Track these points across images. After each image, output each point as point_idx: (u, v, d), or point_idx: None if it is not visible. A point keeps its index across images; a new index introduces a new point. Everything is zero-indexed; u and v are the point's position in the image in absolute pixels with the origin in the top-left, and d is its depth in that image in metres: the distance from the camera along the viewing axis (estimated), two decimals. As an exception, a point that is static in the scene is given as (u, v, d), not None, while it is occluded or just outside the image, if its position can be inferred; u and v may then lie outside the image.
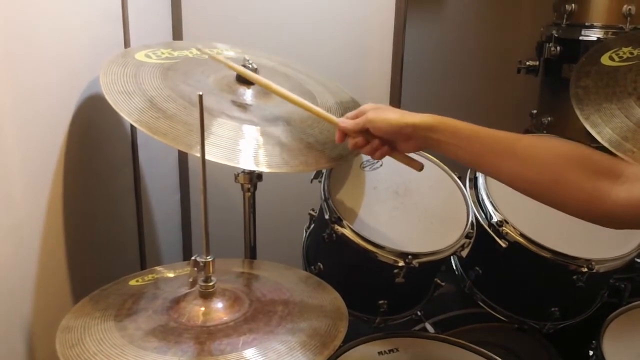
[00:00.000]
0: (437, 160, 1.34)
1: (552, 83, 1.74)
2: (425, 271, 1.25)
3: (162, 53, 1.22)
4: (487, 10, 2.22)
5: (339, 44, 1.75)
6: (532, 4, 2.16)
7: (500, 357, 1.21)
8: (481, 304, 1.38)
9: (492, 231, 1.27)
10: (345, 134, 1.04)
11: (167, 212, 1.76)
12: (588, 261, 1.21)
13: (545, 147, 0.91)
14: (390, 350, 1.23)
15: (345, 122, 1.03)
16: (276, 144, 1.08)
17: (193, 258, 0.90)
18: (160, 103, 1.04)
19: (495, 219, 1.27)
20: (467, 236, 1.24)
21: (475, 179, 1.35)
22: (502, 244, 1.25)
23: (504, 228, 1.25)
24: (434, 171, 1.34)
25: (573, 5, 1.62)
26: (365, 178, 1.28)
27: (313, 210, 1.37)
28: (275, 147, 1.07)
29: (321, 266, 1.27)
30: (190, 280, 0.92)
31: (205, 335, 0.86)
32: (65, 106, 1.09)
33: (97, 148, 1.25)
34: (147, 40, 1.32)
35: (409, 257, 1.14)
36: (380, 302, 1.24)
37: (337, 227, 1.16)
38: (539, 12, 1.88)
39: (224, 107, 1.10)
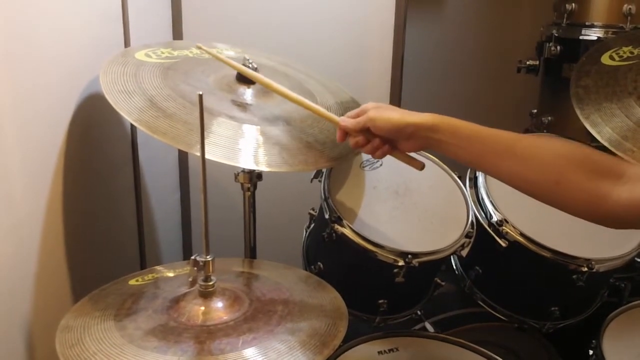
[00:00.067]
0: (437, 160, 1.34)
1: (552, 83, 1.74)
2: (425, 271, 1.25)
3: (162, 52, 1.22)
4: (487, 9, 2.22)
5: (339, 44, 1.75)
6: (532, 4, 2.16)
7: (500, 357, 1.21)
8: (481, 303, 1.38)
9: (492, 231, 1.27)
10: (346, 132, 1.04)
11: (167, 212, 1.76)
12: (588, 261, 1.21)
13: (546, 147, 0.91)
14: (390, 350, 1.23)
15: (346, 121, 1.03)
16: (276, 143, 1.08)
17: (193, 257, 0.90)
18: (160, 102, 1.04)
19: (495, 218, 1.27)
20: (467, 236, 1.24)
21: (475, 178, 1.35)
22: (502, 243, 1.25)
23: (503, 227, 1.25)
24: (434, 171, 1.34)
25: (573, 4, 1.62)
26: (365, 178, 1.28)
27: (313, 209, 1.37)
28: (275, 147, 1.07)
29: (321, 266, 1.27)
30: (190, 279, 0.92)
31: (205, 334, 0.86)
32: (65, 106, 1.09)
33: (97, 147, 1.25)
34: (147, 40, 1.32)
35: (409, 256, 1.14)
36: (380, 301, 1.24)
37: (337, 226, 1.16)
38: (539, 12, 1.88)
39: (224, 106, 1.10)
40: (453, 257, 1.41)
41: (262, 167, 1.05)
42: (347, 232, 1.15)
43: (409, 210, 1.26)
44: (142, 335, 0.85)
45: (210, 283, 0.91)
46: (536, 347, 1.45)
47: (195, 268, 0.90)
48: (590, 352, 1.26)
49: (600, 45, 1.45)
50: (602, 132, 1.25)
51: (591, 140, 1.28)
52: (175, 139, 0.99)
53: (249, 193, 1.22)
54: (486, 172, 1.20)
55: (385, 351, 1.22)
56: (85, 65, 1.14)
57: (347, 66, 1.75)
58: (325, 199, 1.20)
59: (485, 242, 1.27)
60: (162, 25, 1.65)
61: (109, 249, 1.32)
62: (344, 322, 0.93)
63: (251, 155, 1.04)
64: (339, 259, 1.25)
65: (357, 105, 1.23)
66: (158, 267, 1.10)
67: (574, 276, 1.22)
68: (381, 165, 1.30)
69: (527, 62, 1.74)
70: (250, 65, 1.14)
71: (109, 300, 0.95)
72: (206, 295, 0.92)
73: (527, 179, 0.89)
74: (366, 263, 1.17)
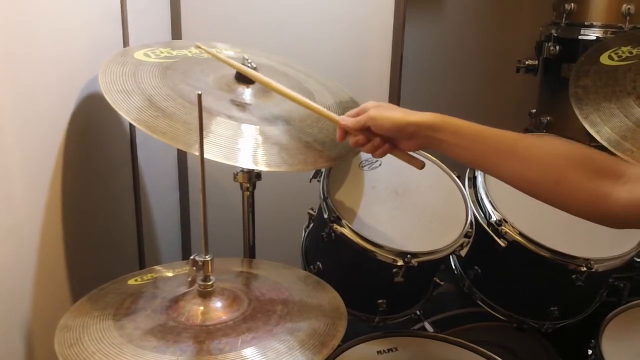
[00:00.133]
0: (436, 160, 1.35)
1: (552, 82, 1.74)
2: (424, 270, 1.25)
3: (161, 52, 1.22)
4: (487, 9, 2.22)
5: (338, 44, 1.75)
6: (531, 4, 2.16)
7: (499, 357, 1.21)
8: (480, 303, 1.38)
9: (491, 230, 1.27)
10: (346, 131, 1.03)
11: (166, 211, 1.76)
12: (587, 260, 1.21)
13: (546, 147, 0.91)
14: (390, 350, 1.23)
15: (346, 119, 1.03)
16: (275, 143, 1.08)
17: (192, 257, 0.90)
18: (159, 102, 1.04)
19: (494, 218, 1.27)
20: (466, 235, 1.24)
21: (475, 178, 1.35)
22: (501, 243, 1.25)
23: (503, 227, 1.25)
24: (433, 171, 1.35)
25: (572, 4, 1.62)
26: (364, 177, 1.28)
27: (312, 209, 1.37)
28: (274, 146, 1.07)
29: (320, 265, 1.27)
30: (189, 279, 0.92)
31: (204, 334, 0.86)
32: (64, 105, 1.10)
33: (96, 147, 1.25)
34: (146, 40, 1.32)
35: (408, 256, 1.14)
36: (380, 301, 1.24)
37: (336, 226, 1.16)
38: (539, 12, 1.88)
39: (223, 106, 1.10)
40: (452, 257, 1.41)
41: (261, 167, 1.05)
42: (346, 231, 1.15)
43: (408, 210, 1.26)
44: (141, 335, 0.85)
45: (209, 283, 0.91)
46: (535, 347, 1.45)
47: (194, 268, 0.90)
48: (589, 351, 1.26)
49: (599, 45, 1.45)
50: (601, 132, 1.25)
51: (590, 140, 1.28)
52: (174, 138, 0.99)
53: (248, 193, 1.22)
54: (487, 172, 1.20)
55: (384, 351, 1.22)
56: (84, 65, 1.15)
57: (346, 66, 1.75)
58: (325, 199, 1.20)
59: (484, 242, 1.27)
60: (161, 25, 1.65)
61: (108, 248, 1.32)
62: (343, 322, 0.93)
63: (250, 155, 1.04)
64: (338, 259, 1.25)
65: (357, 105, 1.22)
66: (157, 267, 1.10)
67: (573, 276, 1.22)
68: (380, 165, 1.30)
69: (526, 62, 1.74)
70: (249, 65, 1.14)
71: (108, 299, 0.95)
72: (205, 295, 0.92)
73: (528, 179, 0.89)
74: (365, 263, 1.17)
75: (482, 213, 1.30)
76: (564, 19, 1.64)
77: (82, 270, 1.16)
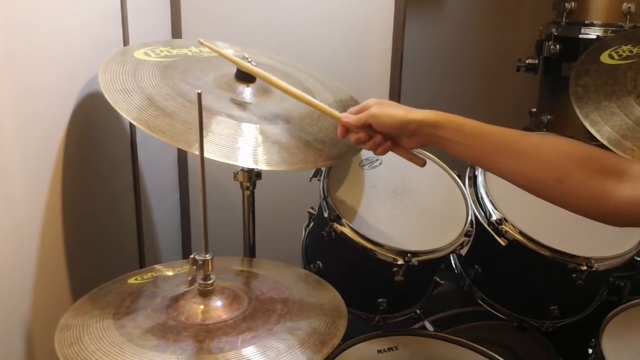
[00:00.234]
0: (436, 159, 1.34)
1: (552, 81, 1.74)
2: (424, 269, 1.25)
3: (161, 51, 1.22)
4: (487, 9, 2.22)
5: (338, 43, 1.75)
6: (532, 3, 2.16)
7: (499, 355, 1.21)
8: (480, 302, 1.38)
9: (492, 229, 1.27)
10: (347, 129, 1.03)
11: (167, 211, 1.76)
12: (587, 259, 1.21)
13: (548, 145, 0.91)
14: (390, 349, 1.23)
15: (348, 117, 1.03)
16: (275, 142, 1.08)
17: (192, 256, 0.90)
18: (159, 101, 1.04)
19: (494, 217, 1.27)
20: (467, 234, 1.24)
21: (475, 177, 1.35)
22: (502, 242, 1.25)
23: (503, 226, 1.25)
24: (433, 169, 1.34)
25: (573, 3, 1.62)
26: (365, 176, 1.28)
27: (312, 208, 1.37)
28: (274, 145, 1.07)
29: (320, 264, 1.27)
30: (189, 278, 0.92)
31: (204, 333, 0.86)
32: (64, 105, 1.10)
33: (96, 146, 1.25)
34: (146, 39, 1.32)
35: (408, 255, 1.14)
36: (380, 300, 1.24)
37: (336, 225, 1.16)
38: (539, 11, 1.88)
39: (223, 105, 1.10)
40: (452, 256, 1.41)
41: (261, 166, 1.04)
42: (346, 230, 1.15)
43: (408, 209, 1.26)
44: (141, 334, 0.85)
45: (210, 282, 0.92)
46: (535, 346, 1.45)
47: (195, 267, 0.90)
48: (590, 350, 1.26)
49: (599, 44, 1.45)
50: (601, 130, 1.25)
51: (590, 139, 1.28)
52: (174, 137, 0.99)
53: (248, 192, 1.22)
54: (488, 170, 1.20)
55: (384, 350, 1.22)
56: (84, 65, 1.15)
57: (346, 66, 1.75)
58: (325, 198, 1.20)
59: (484, 240, 1.27)
60: (161, 24, 1.65)
61: (108, 248, 1.32)
62: (343, 321, 0.93)
63: (250, 154, 1.04)
64: (338, 258, 1.25)
65: (357, 103, 1.22)
66: (157, 266, 1.10)
67: (574, 275, 1.22)
68: (380, 164, 1.30)
69: (527, 61, 1.74)
70: (249, 63, 1.14)
71: (108, 299, 0.95)
72: (205, 294, 0.92)
73: (530, 177, 0.89)
74: (365, 262, 1.17)
75: (482, 212, 1.30)
76: (564, 18, 1.64)
77: (82, 269, 1.16)
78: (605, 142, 1.23)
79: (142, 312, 0.91)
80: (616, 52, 1.39)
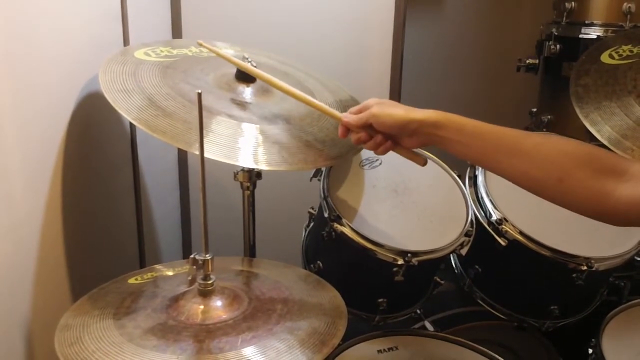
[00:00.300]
0: (436, 159, 1.34)
1: (552, 81, 1.74)
2: (424, 269, 1.25)
3: (162, 51, 1.22)
4: (487, 8, 2.22)
5: (339, 43, 1.75)
6: (532, 3, 2.16)
7: (499, 355, 1.21)
8: (480, 302, 1.38)
9: (492, 229, 1.27)
10: (348, 129, 1.03)
11: (167, 211, 1.76)
12: (587, 259, 1.21)
13: (550, 145, 0.91)
14: (390, 349, 1.23)
15: (349, 117, 1.03)
16: (275, 142, 1.08)
17: (192, 256, 0.90)
18: (159, 101, 1.04)
19: (494, 217, 1.27)
20: (467, 234, 1.24)
21: (475, 177, 1.35)
22: (502, 242, 1.25)
23: (503, 226, 1.25)
24: (433, 169, 1.34)
25: (573, 3, 1.62)
26: (365, 176, 1.28)
27: (312, 208, 1.37)
28: (275, 145, 1.07)
29: (320, 264, 1.27)
30: (190, 278, 0.92)
31: (204, 333, 0.86)
32: (64, 105, 1.10)
33: (96, 146, 1.25)
34: (147, 39, 1.32)
35: (409, 255, 1.14)
36: (380, 300, 1.24)
37: (336, 225, 1.16)
38: (539, 11, 1.88)
39: (223, 105, 1.10)
40: (452, 256, 1.41)
41: (262, 166, 1.04)
42: (346, 230, 1.15)
43: (409, 208, 1.26)
44: (141, 334, 0.85)
45: (210, 282, 0.92)
46: (536, 346, 1.45)
47: (195, 267, 0.90)
48: (590, 350, 1.26)
49: (599, 44, 1.45)
50: (601, 130, 1.25)
51: (591, 139, 1.28)
52: (175, 137, 0.99)
53: (249, 192, 1.22)
54: (489, 169, 1.20)
55: (384, 350, 1.22)
56: (84, 64, 1.15)
57: (346, 66, 1.75)
58: (325, 198, 1.20)
59: (484, 240, 1.27)
60: (161, 24, 1.65)
61: (108, 247, 1.32)
62: (343, 321, 0.93)
63: (250, 154, 1.04)
64: (339, 258, 1.25)
65: (357, 103, 1.22)
66: (157, 266, 1.10)
67: (574, 275, 1.22)
68: (381, 164, 1.30)
69: (527, 61, 1.74)
70: (249, 64, 1.14)
71: (108, 299, 0.95)
72: (205, 294, 0.92)
73: (531, 176, 0.89)
74: (365, 262, 1.17)
75: (482, 212, 1.30)
76: (564, 18, 1.64)
77: (82, 269, 1.16)
78: (605, 142, 1.23)
79: (142, 312, 0.91)
80: (616, 52, 1.39)
